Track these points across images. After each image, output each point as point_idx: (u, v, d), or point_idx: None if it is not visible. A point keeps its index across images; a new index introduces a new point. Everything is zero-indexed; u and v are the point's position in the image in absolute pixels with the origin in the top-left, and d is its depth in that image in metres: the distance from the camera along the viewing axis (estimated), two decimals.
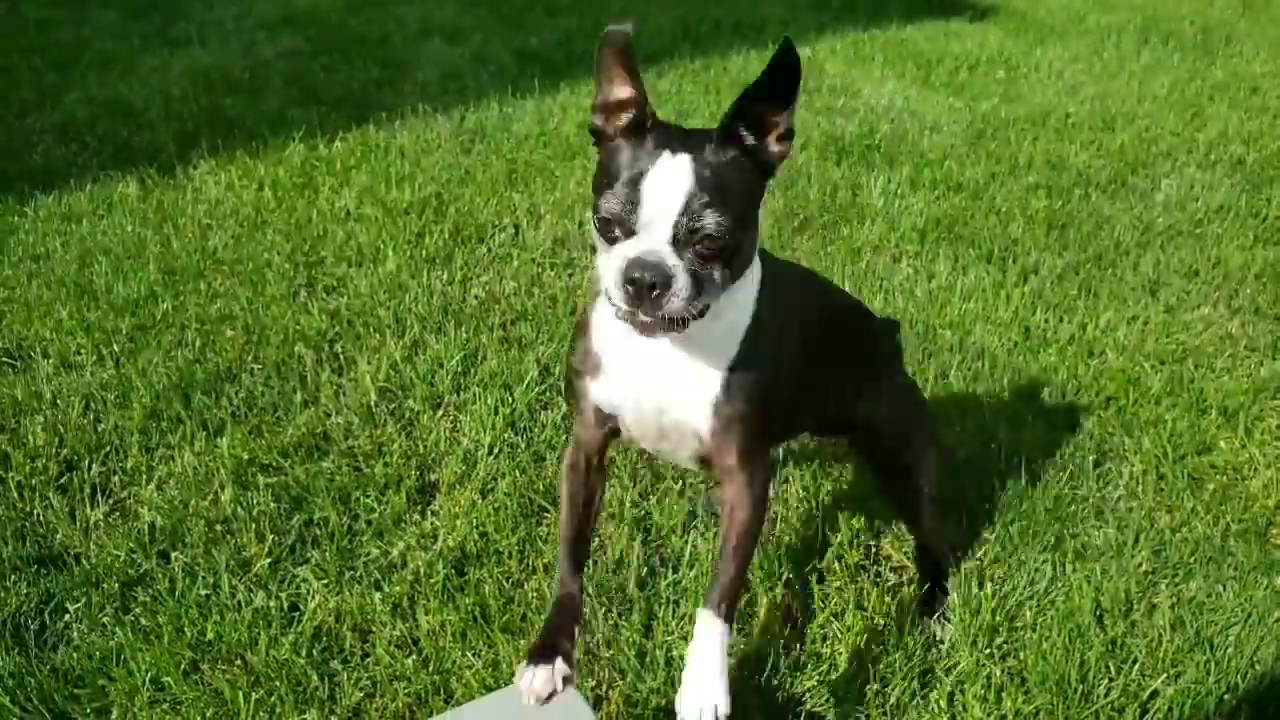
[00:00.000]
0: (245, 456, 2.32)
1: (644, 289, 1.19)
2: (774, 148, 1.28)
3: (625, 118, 1.29)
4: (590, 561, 2.01)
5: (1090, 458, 2.51)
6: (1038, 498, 2.34)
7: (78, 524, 2.14)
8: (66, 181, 3.61)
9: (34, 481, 2.24)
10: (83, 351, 2.70)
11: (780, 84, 1.22)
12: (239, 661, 1.83)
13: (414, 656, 1.86)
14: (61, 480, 2.26)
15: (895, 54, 5.72)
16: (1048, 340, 3.07)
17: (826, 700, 1.84)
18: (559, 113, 4.55)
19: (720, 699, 1.32)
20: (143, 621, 1.90)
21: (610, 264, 1.23)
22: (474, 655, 1.86)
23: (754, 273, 1.40)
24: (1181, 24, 6.82)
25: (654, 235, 1.21)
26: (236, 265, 3.17)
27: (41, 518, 2.16)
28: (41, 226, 3.34)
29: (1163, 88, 5.44)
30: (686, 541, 2.15)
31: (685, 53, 5.46)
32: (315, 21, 5.63)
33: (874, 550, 2.21)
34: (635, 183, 1.21)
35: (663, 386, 1.40)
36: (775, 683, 1.86)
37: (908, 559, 2.18)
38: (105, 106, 4.28)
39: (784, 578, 2.08)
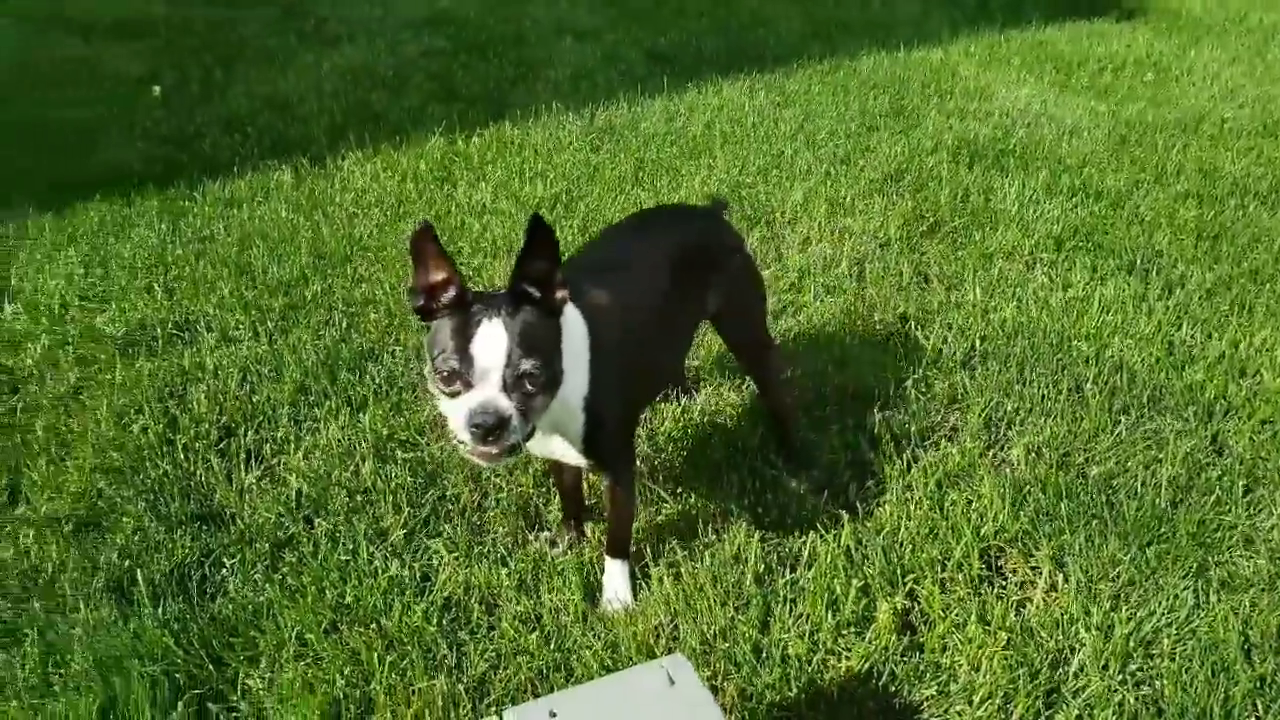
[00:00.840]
0: (385, 432, 2.45)
1: (488, 430, 1.50)
2: (556, 295, 1.58)
3: (445, 296, 1.57)
4: (706, 551, 2.07)
5: (1240, 483, 2.39)
6: (1180, 521, 2.25)
7: (234, 486, 2.30)
8: (230, 169, 3.85)
9: (197, 445, 2.42)
10: (240, 327, 2.89)
11: (540, 250, 1.53)
12: (374, 625, 1.94)
13: (537, 633, 1.93)
14: (220, 445, 2.44)
15: (1033, 56, 5.54)
16: (1194, 357, 2.93)
17: (945, 711, 1.82)
18: (685, 112, 4.60)
19: (625, 593, 2.01)
20: (289, 581, 2.03)
21: (456, 414, 1.52)
22: (594, 636, 1.92)
23: (576, 328, 1.71)
24: None
25: (488, 386, 1.51)
26: (380, 251, 3.33)
27: (203, 478, 2.33)
28: (208, 210, 3.58)
29: None
30: (805, 542, 2.16)
31: (815, 52, 5.43)
32: (455, 21, 5.83)
33: (997, 562, 2.17)
34: (465, 346, 1.51)
35: (540, 445, 1.81)
36: (893, 689, 1.85)
37: (1032, 574, 2.13)
38: (264, 100, 4.54)
39: (907, 587, 2.06)
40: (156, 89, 4.60)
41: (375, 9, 6.09)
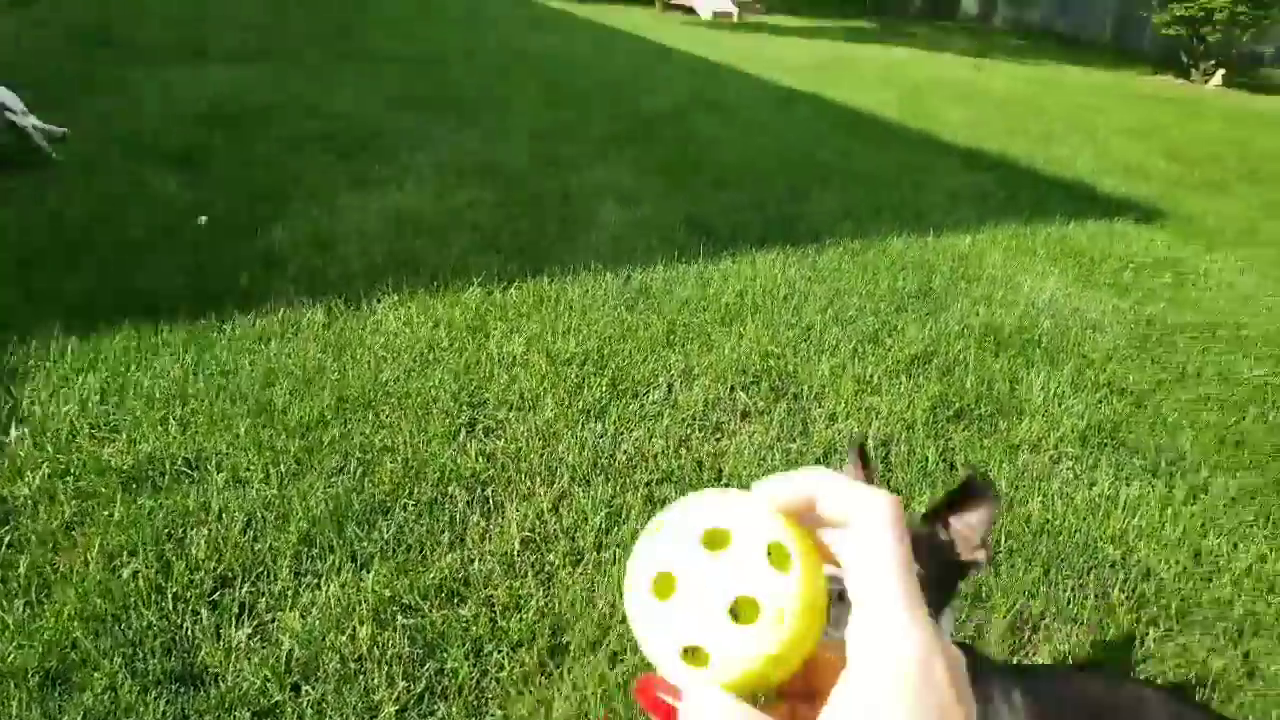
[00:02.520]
0: (388, 594, 2.38)
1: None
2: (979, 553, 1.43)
3: None
4: None
5: (1275, 712, 2.28)
6: None
7: (221, 643, 2.22)
8: (263, 304, 3.91)
9: (189, 594, 2.35)
10: (252, 467, 2.87)
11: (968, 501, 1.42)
12: None
13: None
14: (214, 596, 2.36)
15: (1058, 249, 5.67)
16: (1220, 568, 2.86)
17: None
18: (719, 280, 4.69)
19: None
20: None
21: None
22: None
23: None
24: None
25: None
26: (404, 399, 3.34)
27: (190, 632, 2.24)
28: (235, 344, 3.62)
29: None
30: None
31: (846, 231, 5.57)
32: (504, 175, 6.04)
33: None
34: None
35: None
36: None
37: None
38: (307, 238, 4.67)
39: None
40: (203, 218, 4.74)
41: (428, 155, 6.33)
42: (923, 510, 1.46)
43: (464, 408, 3.30)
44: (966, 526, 1.40)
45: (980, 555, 1.41)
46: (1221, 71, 16.56)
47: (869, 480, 1.43)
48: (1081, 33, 23.31)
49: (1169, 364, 4.23)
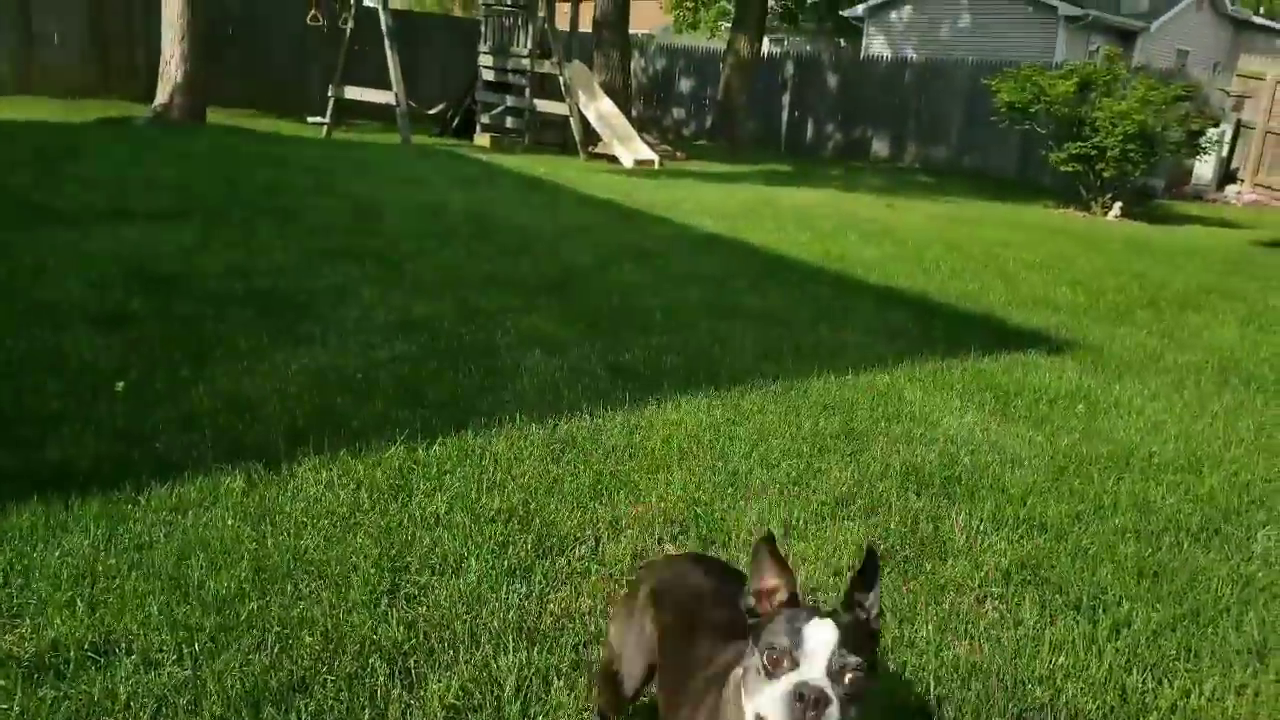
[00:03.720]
0: None
1: (809, 704, 1.53)
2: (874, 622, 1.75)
3: (778, 597, 1.73)
4: None
5: None
6: None
7: None
8: (181, 473, 3.83)
9: None
10: (165, 649, 2.75)
11: (873, 577, 1.74)
12: None
13: None
14: None
15: (974, 383, 5.87)
16: (1147, 706, 2.89)
17: None
18: (645, 426, 4.74)
19: None
20: None
21: (776, 692, 1.57)
22: None
23: None
24: (1261, 367, 6.90)
25: (815, 666, 1.58)
26: (324, 566, 3.26)
27: None
28: (150, 516, 3.52)
29: (1249, 431, 5.43)
30: None
31: (769, 372, 5.71)
32: (429, 328, 6.10)
33: None
34: (797, 630, 1.61)
35: None
36: None
37: None
38: (227, 400, 4.62)
39: None
40: (120, 384, 4.67)
41: (351, 310, 6.37)
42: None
43: (385, 574, 3.24)
44: (868, 598, 1.73)
45: (877, 625, 1.76)
46: (1119, 204, 17.68)
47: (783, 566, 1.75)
48: (987, 169, 24.78)
49: (1086, 496, 4.35)
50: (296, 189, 11.43)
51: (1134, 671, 3.04)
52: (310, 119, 20.36)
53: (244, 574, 3.16)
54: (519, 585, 3.24)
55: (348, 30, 19.59)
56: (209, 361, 5.13)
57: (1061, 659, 3.07)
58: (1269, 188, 21.74)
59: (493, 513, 3.71)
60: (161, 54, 17.72)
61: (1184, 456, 4.93)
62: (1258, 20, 38.62)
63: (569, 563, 3.43)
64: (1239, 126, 22.55)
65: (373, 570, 3.25)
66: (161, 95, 17.66)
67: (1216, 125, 20.91)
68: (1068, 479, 4.53)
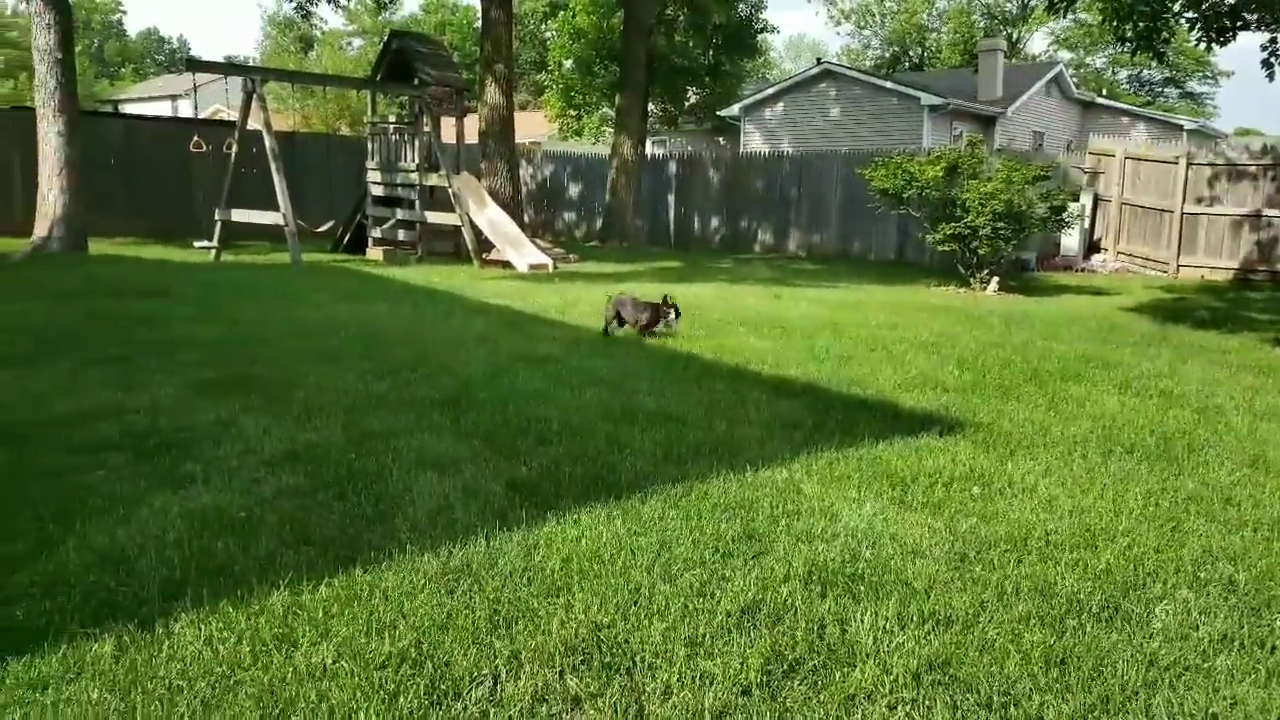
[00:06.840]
0: None
1: None
2: None
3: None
4: None
5: None
6: None
7: None
8: (42, 643, 3.54)
9: None
10: None
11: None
12: None
13: None
14: None
15: (869, 472, 5.93)
16: None
17: None
18: (544, 546, 4.61)
19: None
20: None
21: None
22: None
23: None
24: (1141, 433, 7.18)
25: None
26: None
27: None
28: (4, 696, 3.22)
29: (1137, 500, 5.59)
30: None
31: (668, 476, 5.66)
32: (317, 457, 5.88)
33: None
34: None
35: None
36: None
37: None
38: (99, 556, 4.32)
39: None
40: None
41: (235, 445, 6.12)
42: None
43: None
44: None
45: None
46: (995, 279, 18.54)
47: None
48: (869, 252, 25.76)
49: (988, 583, 4.37)
50: (178, 318, 11.09)
51: None
52: (197, 243, 20.06)
53: None
54: None
55: (232, 154, 19.46)
56: (79, 515, 4.80)
57: None
58: (1131, 255, 23.15)
59: (383, 658, 3.52)
60: (39, 188, 17.30)
61: (1079, 533, 5.03)
62: (1101, 101, 42.14)
63: (465, 708, 3.25)
64: (1096, 199, 24.08)
65: None
66: (40, 229, 17.21)
67: (1076, 199, 22.31)
68: (969, 566, 4.56)
